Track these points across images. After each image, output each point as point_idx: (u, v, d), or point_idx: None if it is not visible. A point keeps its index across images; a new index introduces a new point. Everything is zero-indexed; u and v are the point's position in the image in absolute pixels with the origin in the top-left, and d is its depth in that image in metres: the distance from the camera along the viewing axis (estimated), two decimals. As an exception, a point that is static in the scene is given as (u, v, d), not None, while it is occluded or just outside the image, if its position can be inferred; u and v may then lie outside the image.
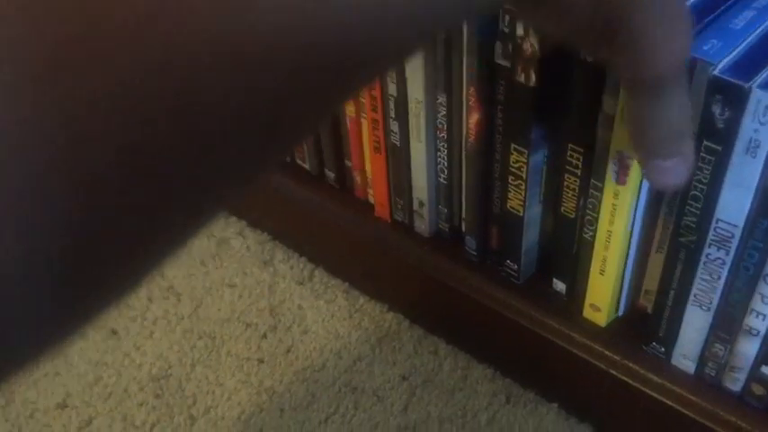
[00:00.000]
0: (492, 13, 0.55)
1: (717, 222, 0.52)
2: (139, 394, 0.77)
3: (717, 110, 0.47)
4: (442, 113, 0.66)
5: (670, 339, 0.62)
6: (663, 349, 0.62)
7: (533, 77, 0.57)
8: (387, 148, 0.72)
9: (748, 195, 0.49)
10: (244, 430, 0.73)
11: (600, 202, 0.59)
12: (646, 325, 0.64)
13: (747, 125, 0.46)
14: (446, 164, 0.69)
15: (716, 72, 0.47)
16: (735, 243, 0.52)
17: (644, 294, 0.65)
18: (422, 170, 0.71)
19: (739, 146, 0.47)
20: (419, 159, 0.70)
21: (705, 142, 0.49)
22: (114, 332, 0.83)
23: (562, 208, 0.63)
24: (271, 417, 0.74)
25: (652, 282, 0.62)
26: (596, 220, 0.60)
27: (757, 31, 0.50)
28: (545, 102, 0.58)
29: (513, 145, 0.62)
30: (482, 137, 0.64)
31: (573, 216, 0.63)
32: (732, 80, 0.46)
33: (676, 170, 0.37)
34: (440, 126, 0.67)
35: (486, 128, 0.63)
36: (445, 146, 0.68)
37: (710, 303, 0.56)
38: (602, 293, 0.64)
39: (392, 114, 0.69)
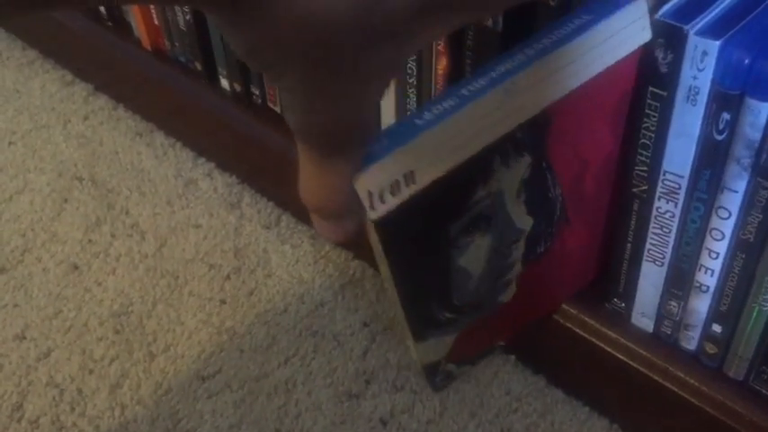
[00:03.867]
0: None
1: (664, 174, 0.52)
2: (99, 329, 0.77)
3: (660, 54, 0.47)
4: (410, 59, 0.66)
5: (629, 296, 0.62)
6: (623, 305, 0.63)
7: (501, 22, 0.56)
8: (359, 94, 0.71)
9: (691, 145, 0.50)
10: (203, 369, 0.74)
11: None
12: (607, 281, 0.65)
13: (686, 72, 0.47)
14: (415, 109, 0.69)
15: (658, 16, 0.47)
16: (682, 195, 0.53)
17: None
18: (391, 116, 0.70)
19: (680, 93, 0.48)
20: (389, 104, 0.70)
21: (651, 88, 0.49)
22: (76, 267, 0.82)
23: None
24: (230, 357, 0.75)
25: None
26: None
27: None
28: (512, 46, 0.58)
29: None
30: (451, 82, 0.64)
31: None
32: (672, 23, 0.46)
33: (337, 234, 0.36)
34: (409, 72, 0.66)
35: (454, 73, 0.63)
36: (414, 92, 0.67)
37: (664, 259, 0.57)
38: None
39: (366, 59, 0.68)
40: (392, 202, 0.42)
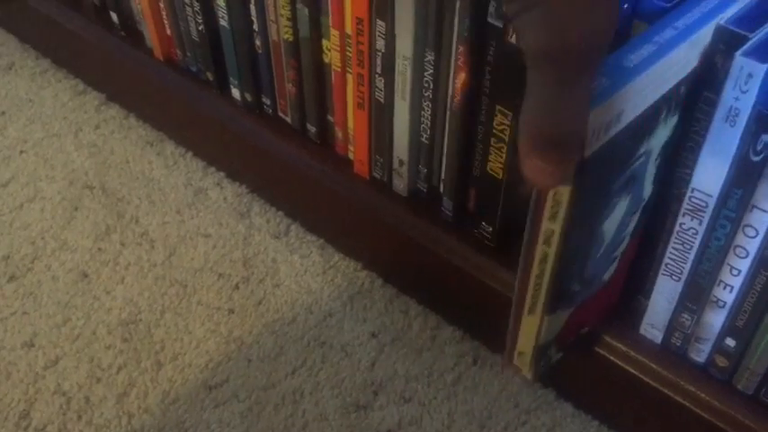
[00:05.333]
0: None
1: (692, 191, 0.52)
2: (107, 338, 0.77)
3: (719, 61, 0.47)
4: (429, 72, 0.66)
5: (639, 308, 0.62)
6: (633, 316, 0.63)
7: None
8: (371, 105, 0.72)
9: (725, 164, 0.50)
10: (210, 378, 0.74)
11: None
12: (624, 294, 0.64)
13: (728, 93, 0.47)
14: (429, 123, 0.69)
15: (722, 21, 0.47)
16: (708, 213, 0.52)
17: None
18: (404, 129, 0.70)
19: (719, 113, 0.48)
20: (402, 117, 0.70)
21: (705, 93, 0.49)
22: (85, 275, 0.82)
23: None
24: (238, 366, 0.74)
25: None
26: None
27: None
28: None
29: (498, 107, 0.62)
30: (468, 97, 0.64)
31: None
32: (735, 29, 0.47)
33: (554, 175, 0.35)
34: (426, 85, 0.66)
35: (472, 88, 0.63)
36: (429, 105, 0.67)
37: (681, 274, 0.57)
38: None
39: (378, 70, 0.68)
40: (599, 143, 0.44)
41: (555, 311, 0.55)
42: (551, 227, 0.49)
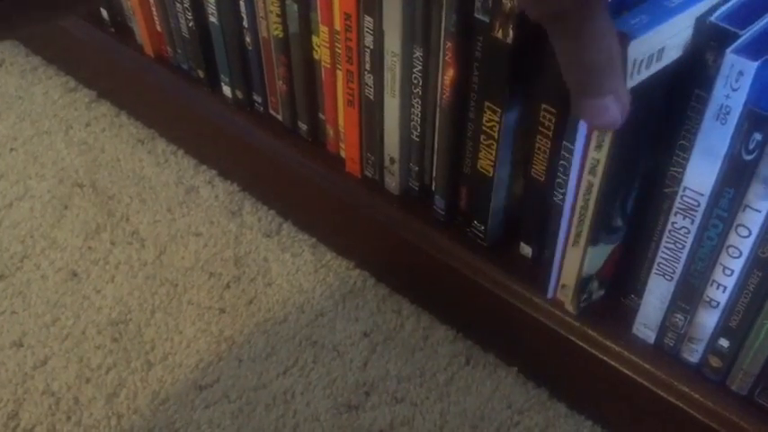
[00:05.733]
0: None
1: (684, 190, 0.52)
2: (97, 337, 0.76)
3: (710, 58, 0.47)
4: (417, 68, 0.65)
5: (632, 308, 0.61)
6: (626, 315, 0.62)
7: (511, 34, 0.56)
8: (360, 102, 0.71)
9: (716, 163, 0.49)
10: (200, 378, 0.73)
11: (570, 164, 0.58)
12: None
13: (719, 90, 0.46)
14: (419, 120, 0.68)
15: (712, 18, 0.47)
16: (700, 212, 0.52)
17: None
18: (394, 126, 0.70)
19: (710, 111, 0.47)
20: (392, 115, 0.69)
21: (696, 91, 0.49)
22: (75, 274, 0.82)
23: (533, 170, 0.62)
24: (229, 366, 0.74)
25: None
26: (566, 183, 0.60)
27: None
28: (521, 60, 0.58)
29: (487, 103, 0.61)
30: (457, 94, 0.63)
31: (543, 179, 0.62)
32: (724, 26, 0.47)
33: (609, 109, 0.35)
34: (415, 81, 0.66)
35: (461, 85, 0.62)
36: (419, 102, 0.67)
37: (674, 273, 0.56)
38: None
39: (367, 67, 0.68)
40: (644, 74, 0.48)
41: (597, 243, 0.59)
42: (597, 156, 0.53)
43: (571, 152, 0.58)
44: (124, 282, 0.81)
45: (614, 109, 0.35)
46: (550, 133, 0.59)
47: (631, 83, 0.47)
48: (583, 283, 0.62)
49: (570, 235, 0.59)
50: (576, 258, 0.60)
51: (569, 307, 0.64)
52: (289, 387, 0.72)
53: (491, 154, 0.63)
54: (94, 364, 0.74)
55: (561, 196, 0.61)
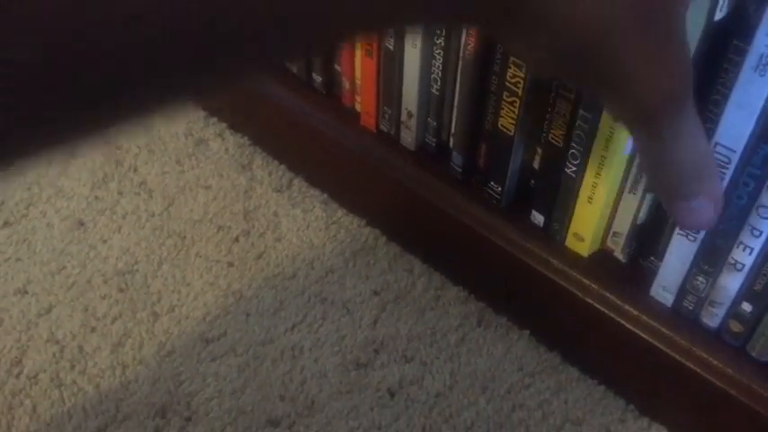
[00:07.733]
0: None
1: (715, 146, 0.50)
2: (103, 287, 0.75)
3: (752, 7, 0.45)
4: (438, 38, 0.63)
5: (651, 270, 0.60)
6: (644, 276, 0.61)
7: None
8: (380, 53, 0.69)
9: (752, 118, 0.47)
10: (207, 331, 0.72)
11: (591, 129, 0.57)
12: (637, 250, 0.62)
13: (761, 39, 0.44)
14: (440, 74, 0.66)
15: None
16: (730, 170, 0.50)
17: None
18: (414, 79, 0.68)
19: (749, 61, 0.45)
20: (412, 67, 0.67)
21: (735, 42, 0.47)
22: (81, 223, 0.80)
23: (551, 135, 0.61)
24: (236, 320, 0.73)
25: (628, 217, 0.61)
26: (588, 148, 0.58)
27: None
28: None
29: (512, 58, 0.59)
30: (481, 47, 0.61)
31: (560, 145, 0.60)
32: None
33: (702, 211, 0.33)
34: (438, 31, 0.64)
35: (483, 55, 0.60)
36: (441, 54, 0.65)
37: (697, 234, 0.55)
38: (588, 222, 0.62)
39: (388, 16, 0.66)
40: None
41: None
42: None
43: (588, 121, 0.56)
44: (131, 232, 0.79)
45: (707, 210, 0.33)
46: (572, 96, 0.57)
47: None
48: (635, 233, 0.62)
49: (628, 181, 0.58)
50: (630, 207, 0.60)
51: (619, 255, 0.64)
52: (297, 343, 0.71)
53: (514, 111, 0.62)
54: (100, 313, 0.73)
55: (575, 168, 0.59)
